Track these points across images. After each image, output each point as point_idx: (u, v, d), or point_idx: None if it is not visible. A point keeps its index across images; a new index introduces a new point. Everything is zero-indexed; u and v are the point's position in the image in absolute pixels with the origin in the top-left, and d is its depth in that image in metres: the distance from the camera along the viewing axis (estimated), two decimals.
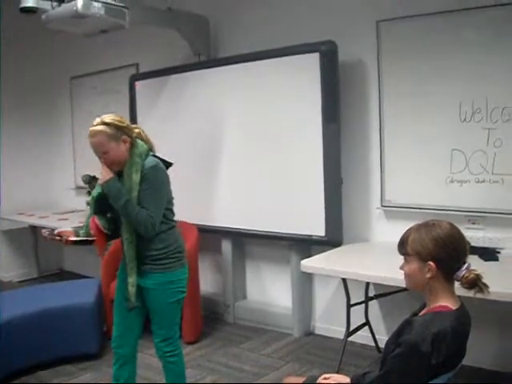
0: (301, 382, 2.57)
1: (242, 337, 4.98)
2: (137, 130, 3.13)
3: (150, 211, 2.98)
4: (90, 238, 3.22)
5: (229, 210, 5.18)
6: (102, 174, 3.05)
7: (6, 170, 6.89)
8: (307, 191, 4.59)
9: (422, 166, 4.20)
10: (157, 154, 3.14)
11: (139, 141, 3.09)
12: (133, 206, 2.97)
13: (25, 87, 7.03)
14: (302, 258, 4.30)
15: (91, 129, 2.98)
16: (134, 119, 5.83)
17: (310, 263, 4.02)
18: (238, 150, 5.05)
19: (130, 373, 3.35)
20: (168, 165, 3.16)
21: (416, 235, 2.13)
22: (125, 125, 3.03)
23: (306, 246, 4.75)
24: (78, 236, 3.25)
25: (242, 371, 4.29)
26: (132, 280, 3.11)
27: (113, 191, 2.99)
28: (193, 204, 5.34)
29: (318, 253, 4.33)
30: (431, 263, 2.08)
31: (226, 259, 5.35)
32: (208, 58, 5.37)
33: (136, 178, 2.98)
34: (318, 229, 4.52)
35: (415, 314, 2.24)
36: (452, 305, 2.10)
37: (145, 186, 2.98)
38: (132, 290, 3.11)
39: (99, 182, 3.11)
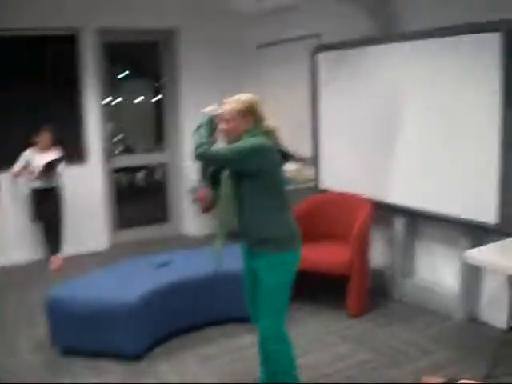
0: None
1: (404, 315, 4.94)
2: (266, 124, 3.27)
3: (223, 151, 3.18)
4: None
5: (403, 187, 5.11)
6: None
7: (188, 134, 7.29)
8: (481, 175, 4.38)
9: None
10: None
11: (260, 127, 3.25)
12: (209, 139, 3.21)
13: (217, 53, 7.44)
14: (473, 244, 4.19)
15: (230, 98, 3.27)
16: (314, 90, 5.92)
17: (476, 254, 3.85)
18: (415, 129, 4.93)
19: None
20: (286, 157, 3.35)
21: None
22: (256, 108, 3.26)
23: (478, 232, 4.55)
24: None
25: (397, 352, 4.28)
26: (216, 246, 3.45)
27: (202, 120, 3.28)
28: (369, 178, 5.39)
29: (491, 241, 4.15)
30: None
31: (397, 235, 5.30)
32: (388, 32, 5.25)
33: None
34: (489, 216, 4.33)
35: None
36: None
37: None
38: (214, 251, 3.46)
39: None
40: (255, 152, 3.14)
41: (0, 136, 6.59)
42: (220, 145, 3.29)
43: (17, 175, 6.58)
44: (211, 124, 3.28)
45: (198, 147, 3.18)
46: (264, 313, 3.32)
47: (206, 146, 3.15)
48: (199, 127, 3.26)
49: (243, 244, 3.42)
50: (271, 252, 3.23)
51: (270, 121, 3.29)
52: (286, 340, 3.37)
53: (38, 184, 6.57)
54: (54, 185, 6.66)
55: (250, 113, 3.22)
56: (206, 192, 3.45)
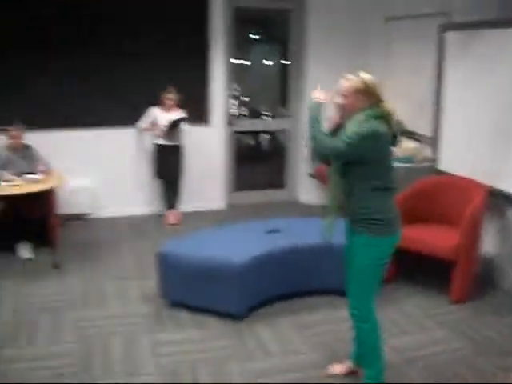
0: None
1: (509, 307, 4.82)
2: (383, 105, 3.25)
3: (341, 142, 3.17)
4: None
5: None
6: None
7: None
8: None
9: None
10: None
11: (378, 109, 3.23)
12: (323, 132, 3.26)
13: (338, 25, 7.45)
14: None
15: (348, 75, 3.28)
16: (440, 70, 5.81)
17: None
18: None
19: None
20: (395, 137, 3.31)
21: None
22: (373, 90, 3.24)
23: None
24: None
25: (493, 344, 4.20)
26: (327, 221, 3.46)
27: (314, 110, 3.33)
28: (487, 165, 5.25)
29: None
30: None
31: (510, 225, 5.17)
32: None
33: (350, 128, 3.19)
34: None
35: None
36: None
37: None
38: (325, 228, 3.47)
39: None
40: (369, 139, 3.15)
41: (130, 94, 6.99)
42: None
43: (144, 130, 6.92)
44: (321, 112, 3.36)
45: (317, 143, 3.27)
46: (352, 291, 3.40)
47: (323, 142, 3.24)
48: (313, 120, 3.32)
49: (346, 220, 3.46)
50: (369, 234, 3.26)
51: (388, 103, 3.28)
52: (371, 321, 3.42)
53: (161, 141, 6.89)
54: (177, 143, 6.96)
55: (367, 93, 3.22)
56: (321, 168, 3.47)
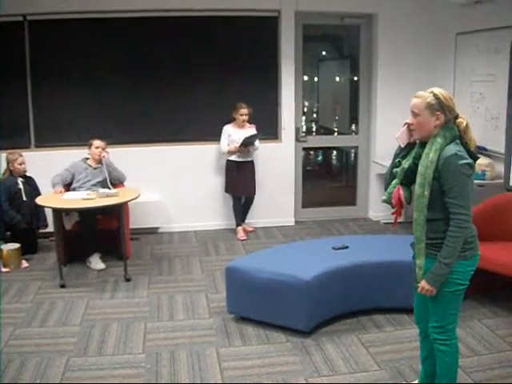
0: None
1: None
2: (460, 120, 3.08)
3: (459, 208, 2.95)
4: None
5: None
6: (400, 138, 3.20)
7: (380, 119, 7.55)
8: None
9: None
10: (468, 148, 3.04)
11: (454, 127, 3.06)
12: (452, 248, 2.99)
13: (407, 40, 7.44)
14: None
15: (419, 92, 3.11)
16: None
17: None
18: None
19: (430, 346, 3.38)
20: (475, 158, 3.05)
21: None
22: (447, 104, 3.03)
23: None
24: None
25: None
26: (419, 262, 3.13)
27: (442, 274, 3.04)
28: None
29: None
30: None
31: None
32: None
33: (433, 157, 2.98)
34: None
35: None
36: None
37: (446, 176, 2.96)
38: (419, 272, 3.14)
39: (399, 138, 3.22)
40: (467, 176, 2.98)
41: (202, 111, 7.21)
42: None
43: (229, 152, 7.01)
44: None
45: (461, 234, 2.99)
46: (433, 316, 3.23)
47: (459, 243, 3.00)
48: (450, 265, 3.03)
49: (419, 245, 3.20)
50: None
51: (464, 118, 3.10)
52: (453, 344, 3.25)
53: (234, 157, 7.00)
54: (249, 159, 7.05)
55: (440, 108, 3.02)
56: (400, 193, 3.27)
